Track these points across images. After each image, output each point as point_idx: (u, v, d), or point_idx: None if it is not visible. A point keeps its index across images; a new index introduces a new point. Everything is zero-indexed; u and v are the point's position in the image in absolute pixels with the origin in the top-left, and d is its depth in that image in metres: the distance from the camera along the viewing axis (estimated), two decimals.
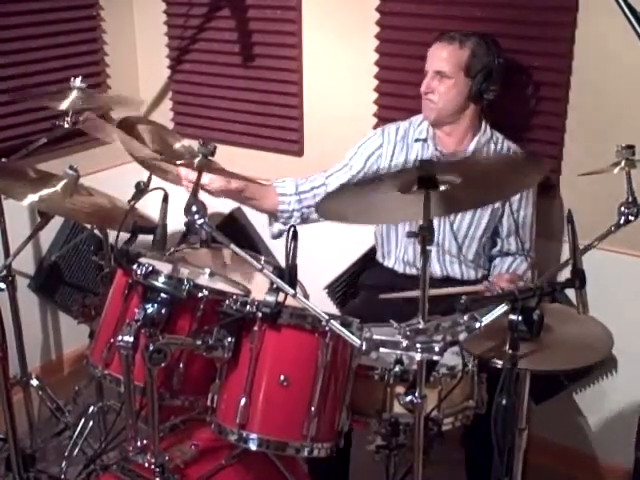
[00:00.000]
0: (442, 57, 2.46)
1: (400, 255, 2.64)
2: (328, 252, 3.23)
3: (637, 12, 1.57)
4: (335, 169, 2.66)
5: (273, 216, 2.62)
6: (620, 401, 2.79)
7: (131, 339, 1.80)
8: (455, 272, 2.60)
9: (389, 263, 2.69)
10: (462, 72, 2.44)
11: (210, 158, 1.88)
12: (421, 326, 1.66)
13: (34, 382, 2.88)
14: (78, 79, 2.60)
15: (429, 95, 2.49)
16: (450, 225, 2.54)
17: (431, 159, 2.32)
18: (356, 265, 3.18)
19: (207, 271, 2.15)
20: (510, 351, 1.71)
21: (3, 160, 2.72)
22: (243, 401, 1.82)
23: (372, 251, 2.86)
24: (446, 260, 2.59)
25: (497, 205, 2.53)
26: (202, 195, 1.84)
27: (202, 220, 1.78)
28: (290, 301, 1.78)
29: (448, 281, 2.57)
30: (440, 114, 2.50)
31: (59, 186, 2.37)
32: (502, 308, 1.70)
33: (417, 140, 2.59)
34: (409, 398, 1.71)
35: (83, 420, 2.77)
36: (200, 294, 1.95)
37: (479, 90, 2.45)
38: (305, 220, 2.61)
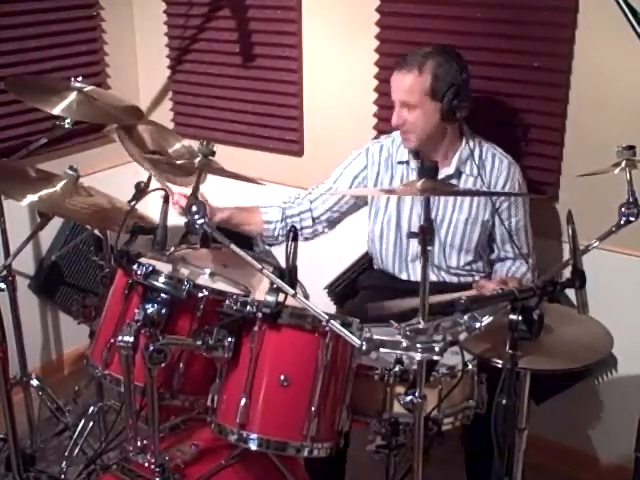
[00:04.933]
0: (404, 88, 2.40)
1: (390, 264, 2.65)
2: (328, 252, 3.23)
3: (637, 12, 1.58)
4: (320, 192, 2.65)
5: (259, 238, 2.68)
6: (620, 401, 2.79)
7: (131, 339, 1.80)
8: (452, 279, 2.60)
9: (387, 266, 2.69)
10: (428, 98, 2.38)
11: (210, 158, 1.88)
12: (421, 326, 1.66)
13: (34, 382, 2.88)
14: (79, 79, 2.61)
15: (402, 128, 2.46)
16: (440, 244, 2.53)
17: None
18: (356, 265, 3.17)
19: (207, 271, 2.15)
20: (510, 351, 1.72)
21: (3, 160, 2.72)
22: (243, 401, 1.82)
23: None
24: (441, 271, 2.59)
25: (487, 217, 2.52)
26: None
27: (202, 220, 1.78)
28: (290, 301, 1.79)
29: (445, 286, 2.57)
30: (419, 142, 2.47)
31: (59, 186, 2.37)
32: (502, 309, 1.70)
33: (400, 162, 2.58)
34: (409, 398, 1.71)
35: (83, 420, 2.77)
36: (200, 294, 1.95)
37: (450, 110, 2.39)
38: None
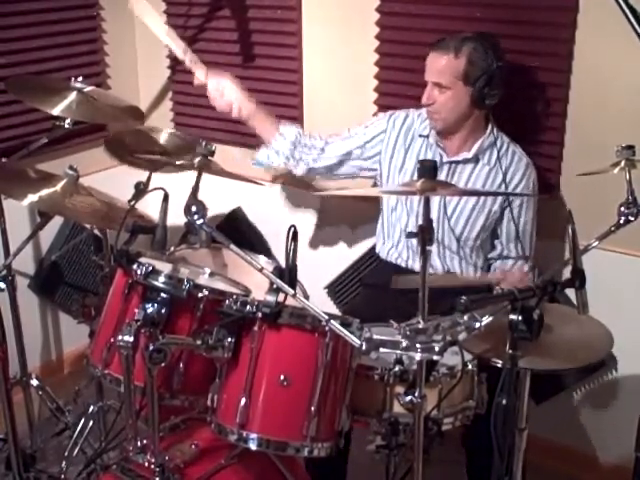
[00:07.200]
0: (439, 69, 2.42)
1: (401, 247, 2.64)
2: (328, 252, 3.23)
3: (637, 12, 1.57)
4: (335, 140, 2.71)
5: (265, 144, 2.74)
6: (620, 401, 2.79)
7: (131, 339, 1.80)
8: (455, 267, 2.60)
9: (391, 257, 2.67)
10: (460, 81, 2.40)
11: (210, 158, 1.88)
12: (421, 326, 1.66)
13: (34, 382, 2.88)
14: (79, 79, 2.61)
15: (430, 107, 2.47)
16: (448, 222, 2.54)
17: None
18: (356, 265, 3.18)
19: (207, 271, 2.14)
20: (510, 351, 1.72)
21: (3, 160, 2.72)
22: (243, 401, 1.82)
23: (372, 251, 2.85)
24: (446, 256, 2.59)
25: (495, 209, 2.53)
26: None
27: (202, 220, 1.78)
28: (290, 301, 1.79)
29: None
30: (445, 124, 2.49)
31: (59, 186, 2.37)
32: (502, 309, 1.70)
33: (420, 135, 2.59)
34: (409, 398, 1.72)
35: (83, 420, 2.77)
36: (200, 294, 1.95)
37: (480, 96, 2.41)
38: (289, 165, 2.74)
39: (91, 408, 2.78)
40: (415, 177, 2.49)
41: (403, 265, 2.64)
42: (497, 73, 2.41)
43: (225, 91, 2.63)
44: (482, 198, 2.53)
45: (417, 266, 2.55)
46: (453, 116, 2.46)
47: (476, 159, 2.53)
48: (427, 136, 2.57)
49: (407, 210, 2.58)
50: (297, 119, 3.23)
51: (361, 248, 3.10)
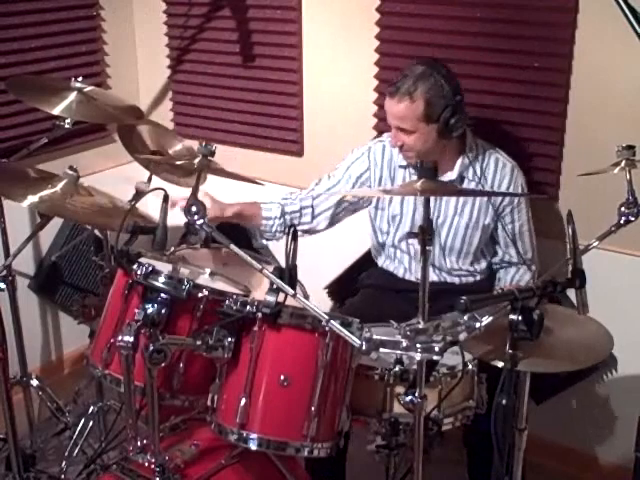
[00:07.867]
0: (398, 115, 2.39)
1: (397, 263, 2.65)
2: (328, 252, 3.23)
3: (637, 12, 1.58)
4: (322, 189, 2.63)
5: (258, 233, 2.66)
6: (620, 401, 2.79)
7: (131, 339, 1.80)
8: (453, 280, 2.60)
9: (388, 268, 2.69)
10: (423, 122, 2.37)
11: (210, 158, 1.88)
12: (421, 326, 1.66)
13: (34, 382, 2.88)
14: (79, 79, 2.62)
15: (401, 149, 2.45)
16: (440, 246, 2.53)
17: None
18: (356, 265, 3.17)
19: (207, 271, 2.14)
20: (510, 351, 1.71)
21: (3, 160, 2.73)
22: (243, 401, 1.82)
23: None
24: (442, 272, 2.59)
25: (488, 221, 2.51)
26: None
27: (202, 220, 1.78)
28: (290, 301, 1.79)
29: (446, 285, 2.57)
30: (419, 158, 2.41)
31: (59, 186, 2.37)
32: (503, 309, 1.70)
33: (401, 166, 2.56)
34: (409, 398, 1.72)
35: (83, 420, 2.77)
36: (200, 294, 1.95)
37: (447, 129, 2.38)
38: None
39: (91, 408, 2.78)
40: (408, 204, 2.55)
41: (400, 276, 2.65)
42: (458, 104, 2.38)
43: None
44: (475, 215, 2.51)
45: (413, 278, 2.60)
46: (424, 151, 2.42)
47: (461, 178, 2.50)
48: (407, 166, 2.54)
49: (398, 235, 2.60)
50: (297, 119, 3.24)
51: (361, 248, 3.09)
